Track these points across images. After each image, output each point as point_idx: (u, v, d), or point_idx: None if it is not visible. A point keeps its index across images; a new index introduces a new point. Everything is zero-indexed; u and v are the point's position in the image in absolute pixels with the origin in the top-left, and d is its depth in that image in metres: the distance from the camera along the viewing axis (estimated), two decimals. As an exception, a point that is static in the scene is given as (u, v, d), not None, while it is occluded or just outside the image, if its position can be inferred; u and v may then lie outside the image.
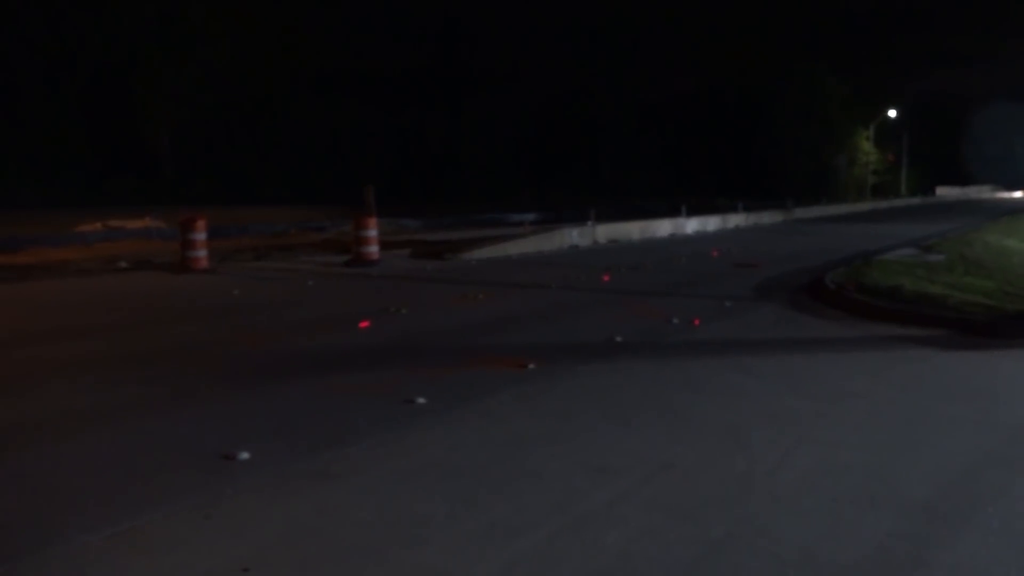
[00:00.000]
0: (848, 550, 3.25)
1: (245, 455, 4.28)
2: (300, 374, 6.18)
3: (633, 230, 22.08)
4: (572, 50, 66.46)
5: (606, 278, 12.59)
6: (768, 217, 32.13)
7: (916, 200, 66.66)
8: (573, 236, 19.19)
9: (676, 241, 21.48)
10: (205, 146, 47.39)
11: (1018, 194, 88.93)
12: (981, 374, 6.29)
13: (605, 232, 20.52)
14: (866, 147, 72.68)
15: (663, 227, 23.63)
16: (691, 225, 25.04)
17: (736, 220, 28.72)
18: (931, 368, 6.51)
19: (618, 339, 7.49)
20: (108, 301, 10.26)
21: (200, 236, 13.40)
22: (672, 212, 25.32)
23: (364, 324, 8.37)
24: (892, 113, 68.51)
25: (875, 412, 5.22)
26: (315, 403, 5.38)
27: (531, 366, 6.33)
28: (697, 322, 8.49)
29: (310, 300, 10.46)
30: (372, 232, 14.63)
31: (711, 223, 26.55)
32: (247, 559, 3.19)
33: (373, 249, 14.63)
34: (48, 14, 41.77)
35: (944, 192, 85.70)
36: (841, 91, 72.25)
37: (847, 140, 72.53)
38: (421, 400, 5.33)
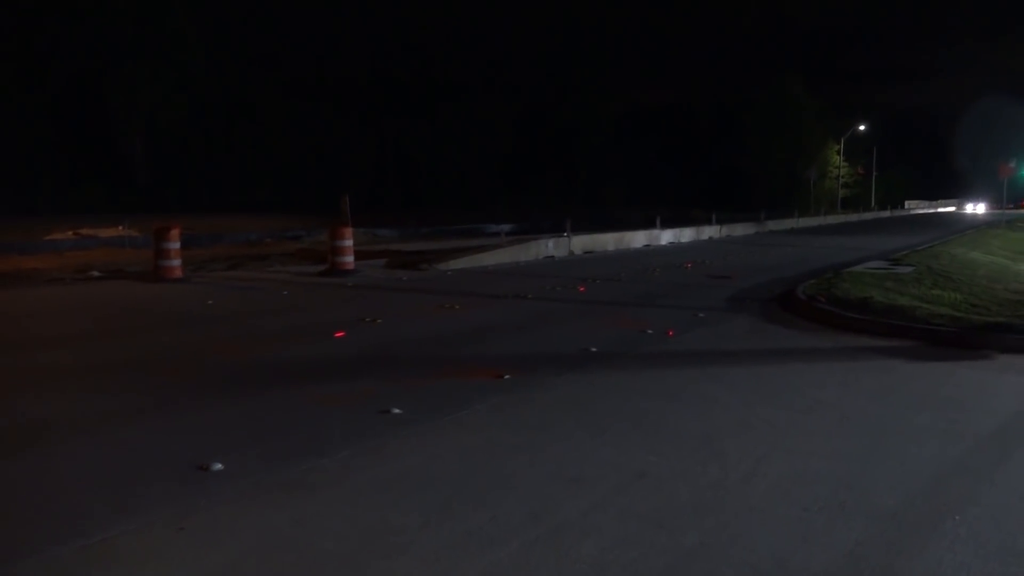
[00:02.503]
0: (819, 558, 3.30)
1: (219, 466, 4.26)
2: (275, 384, 6.15)
3: (608, 241, 22.22)
4: (548, 61, 66.80)
5: (582, 289, 12.66)
6: (741, 229, 32.48)
7: (886, 213, 67.75)
8: (549, 247, 19.27)
9: (651, 252, 21.63)
10: (180, 154, 46.98)
11: (974, 208, 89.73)
12: (948, 384, 6.41)
13: (581, 243, 20.64)
14: (836, 160, 73.73)
15: (638, 238, 23.81)
16: (666, 236, 25.26)
17: (710, 232, 29.01)
18: (900, 378, 6.61)
19: (593, 349, 7.54)
20: (80, 310, 10.13)
21: (174, 245, 13.29)
22: (647, 223, 25.52)
23: (339, 334, 8.35)
24: (862, 127, 69.56)
25: (845, 421, 5.31)
26: (290, 413, 5.35)
27: (507, 376, 6.35)
28: (671, 333, 8.56)
29: (285, 310, 10.40)
30: (348, 242, 14.60)
31: (685, 234, 26.81)
32: (221, 571, 3.18)
33: (349, 259, 14.59)
34: (21, 19, 41.22)
35: (913, 206, 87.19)
36: (812, 105, 73.33)
37: (818, 153, 73.57)
38: (397, 410, 5.33)
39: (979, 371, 6.89)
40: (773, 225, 37.04)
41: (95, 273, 13.89)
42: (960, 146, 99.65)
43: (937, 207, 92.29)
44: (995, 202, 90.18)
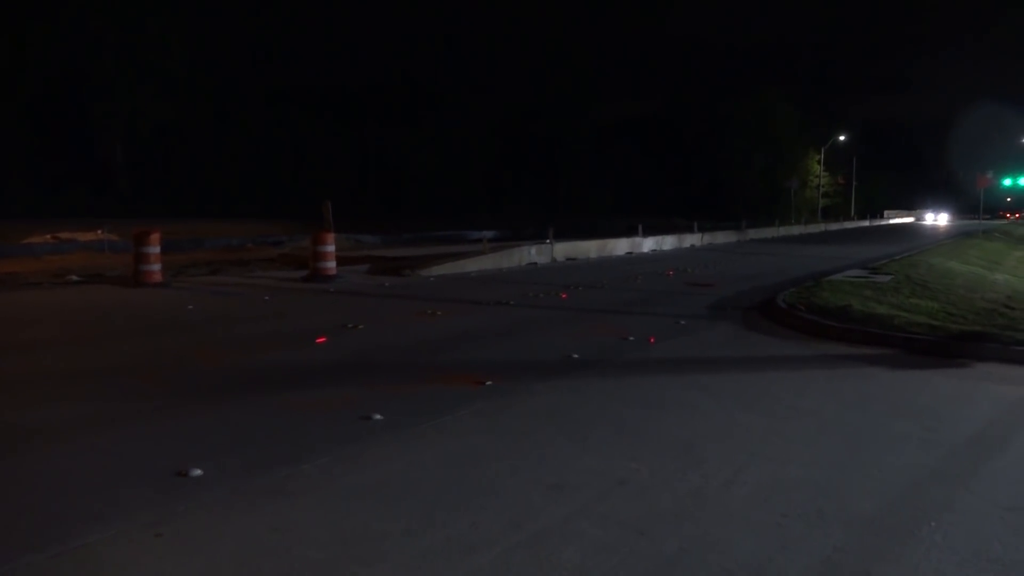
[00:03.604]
0: (797, 564, 3.32)
1: (198, 472, 4.23)
2: (255, 390, 6.11)
3: (591, 248, 22.30)
4: (531, 69, 66.97)
5: (564, 296, 12.69)
6: (723, 237, 32.70)
7: (865, 223, 68.38)
8: (531, 254, 19.31)
9: (633, 260, 21.72)
10: (160, 159, 46.64)
11: (932, 218, 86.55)
12: (925, 392, 6.48)
13: (563, 250, 20.69)
14: (817, 170, 74.42)
15: (620, 246, 23.91)
16: (648, 244, 25.38)
17: (692, 240, 29.18)
18: (878, 386, 6.68)
19: (575, 356, 7.56)
20: (58, 315, 10.03)
21: (154, 250, 13.19)
22: (629, 231, 25.63)
23: (321, 340, 8.32)
24: (842, 137, 70.30)
25: (824, 429, 5.35)
26: (270, 419, 5.32)
27: (488, 383, 6.36)
28: (653, 340, 8.60)
29: (266, 315, 10.35)
30: (330, 247, 14.56)
31: (667, 242, 26.94)
32: (199, 577, 3.15)
33: (331, 264, 14.55)
34: (0, 24, 40.84)
35: (893, 215, 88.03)
36: (793, 115, 74.03)
37: (799, 163, 74.27)
38: (378, 416, 5.32)
39: (956, 379, 6.97)
40: (754, 234, 37.34)
41: (74, 278, 13.75)
42: (938, 156, 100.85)
43: (915, 217, 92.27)
44: (959, 212, 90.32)
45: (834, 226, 58.41)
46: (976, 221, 47.42)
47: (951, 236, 40.28)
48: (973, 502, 4.06)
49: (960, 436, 5.26)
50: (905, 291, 12.26)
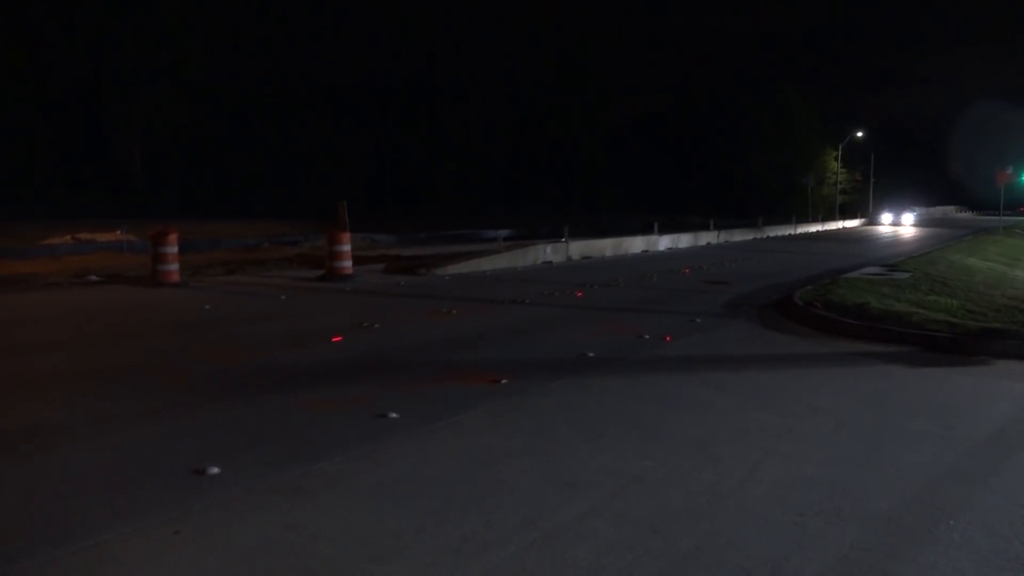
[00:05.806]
0: (814, 563, 3.30)
1: (215, 470, 4.26)
2: (271, 389, 6.15)
3: (606, 247, 22.26)
4: (545, 68, 66.85)
5: (579, 294, 12.67)
6: (739, 235, 32.56)
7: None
8: (547, 253, 19.30)
9: (649, 258, 21.66)
10: (177, 160, 46.95)
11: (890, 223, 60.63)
12: (944, 390, 6.42)
13: (578, 249, 20.66)
14: (834, 167, 73.82)
15: (636, 244, 23.85)
16: (663, 242, 25.30)
17: (708, 238, 29.07)
18: (896, 384, 6.63)
19: (590, 354, 7.55)
20: (78, 315, 10.13)
21: (171, 250, 13.28)
22: (645, 229, 25.57)
23: (337, 339, 8.35)
24: (859, 133, 69.68)
25: (841, 427, 5.32)
26: (286, 418, 5.35)
27: (503, 381, 6.36)
28: (668, 338, 8.57)
29: (282, 315, 10.41)
30: (345, 247, 14.60)
31: (683, 240, 26.85)
32: (216, 575, 3.18)
33: (346, 264, 14.60)
34: (17, 25, 41.24)
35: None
36: (809, 111, 73.47)
37: (815, 160, 73.68)
38: (393, 415, 5.34)
39: (975, 377, 6.90)
40: (771, 231, 37.16)
41: (93, 278, 13.87)
42: (956, 153, 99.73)
43: (932, 214, 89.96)
44: (979, 208, 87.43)
45: (851, 223, 57.95)
46: (996, 217, 46.81)
47: (971, 233, 39.71)
48: (992, 500, 4.02)
49: (979, 434, 5.21)
50: (923, 288, 12.17)
